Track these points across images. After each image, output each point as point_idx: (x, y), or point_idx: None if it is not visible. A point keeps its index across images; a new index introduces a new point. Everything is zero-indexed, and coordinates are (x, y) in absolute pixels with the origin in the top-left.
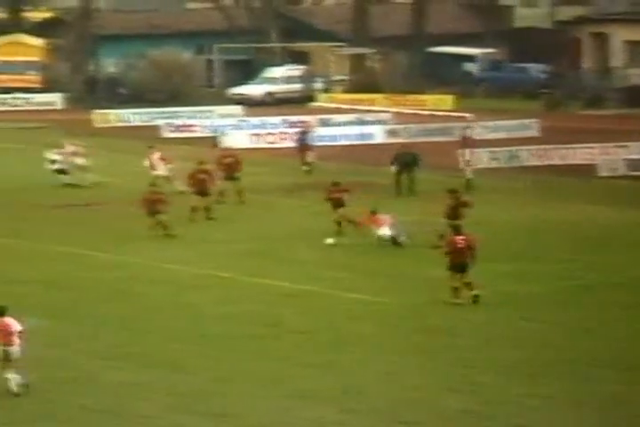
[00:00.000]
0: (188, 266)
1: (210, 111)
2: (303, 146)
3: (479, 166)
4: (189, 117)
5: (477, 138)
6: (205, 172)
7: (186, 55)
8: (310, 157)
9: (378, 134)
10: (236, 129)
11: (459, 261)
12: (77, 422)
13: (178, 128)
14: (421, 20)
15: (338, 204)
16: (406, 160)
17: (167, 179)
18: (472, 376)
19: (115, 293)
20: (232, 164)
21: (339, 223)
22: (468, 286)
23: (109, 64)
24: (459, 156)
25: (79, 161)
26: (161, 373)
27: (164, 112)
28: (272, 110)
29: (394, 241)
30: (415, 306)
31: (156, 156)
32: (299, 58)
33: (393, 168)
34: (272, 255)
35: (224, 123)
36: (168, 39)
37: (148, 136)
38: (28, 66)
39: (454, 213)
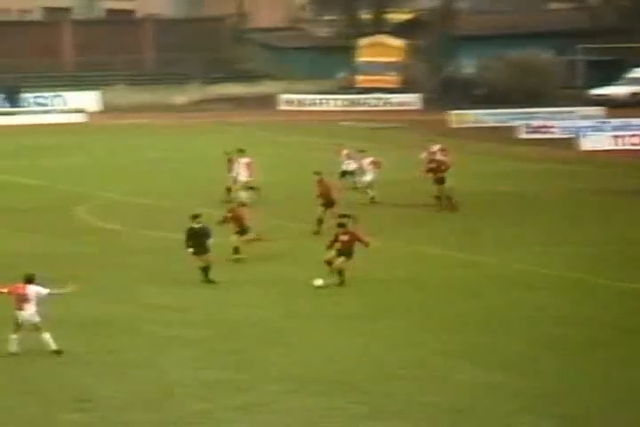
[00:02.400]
0: (538, 266)
1: (569, 112)
2: None
3: None
4: (548, 118)
5: None
6: (326, 187)
7: (546, 56)
8: None
9: None
10: (596, 131)
11: None
12: (426, 421)
13: (535, 129)
14: None
15: (343, 250)
16: None
17: (370, 184)
18: None
19: (467, 292)
20: (437, 169)
21: (328, 263)
22: None
23: (467, 65)
24: None
25: (352, 166)
26: (510, 374)
27: (521, 113)
28: (636, 112)
29: None
30: None
31: (367, 160)
32: None
33: None
34: (619, 257)
35: (583, 124)
36: (528, 40)
37: (503, 137)
38: (388, 66)
39: None
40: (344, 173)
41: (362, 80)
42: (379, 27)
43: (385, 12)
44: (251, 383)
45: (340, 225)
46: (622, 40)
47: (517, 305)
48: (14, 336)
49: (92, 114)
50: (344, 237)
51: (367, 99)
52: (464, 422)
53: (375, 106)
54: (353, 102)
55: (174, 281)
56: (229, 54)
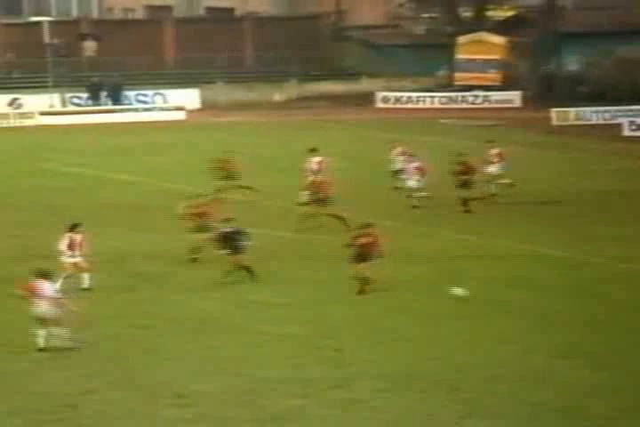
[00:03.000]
0: None
1: None
2: None
3: None
4: None
5: None
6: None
7: None
8: None
9: None
10: None
11: None
12: (528, 420)
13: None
14: None
15: (359, 256)
16: None
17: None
18: None
19: (571, 291)
20: (465, 171)
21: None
22: None
23: (570, 62)
24: None
25: (398, 165)
26: (615, 374)
27: (625, 110)
28: None
29: None
30: None
31: (413, 165)
32: None
33: None
34: None
35: None
36: (634, 36)
37: (606, 135)
38: (488, 64)
39: None
40: (394, 173)
41: (461, 77)
42: (479, 24)
43: (486, 10)
44: (347, 381)
45: (367, 225)
46: None
47: (624, 306)
48: (42, 332)
49: (191, 111)
50: (363, 240)
51: (466, 96)
52: (568, 423)
53: (475, 103)
54: (452, 100)
55: (273, 278)
56: (328, 52)
